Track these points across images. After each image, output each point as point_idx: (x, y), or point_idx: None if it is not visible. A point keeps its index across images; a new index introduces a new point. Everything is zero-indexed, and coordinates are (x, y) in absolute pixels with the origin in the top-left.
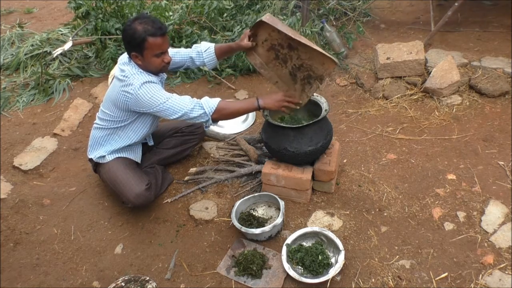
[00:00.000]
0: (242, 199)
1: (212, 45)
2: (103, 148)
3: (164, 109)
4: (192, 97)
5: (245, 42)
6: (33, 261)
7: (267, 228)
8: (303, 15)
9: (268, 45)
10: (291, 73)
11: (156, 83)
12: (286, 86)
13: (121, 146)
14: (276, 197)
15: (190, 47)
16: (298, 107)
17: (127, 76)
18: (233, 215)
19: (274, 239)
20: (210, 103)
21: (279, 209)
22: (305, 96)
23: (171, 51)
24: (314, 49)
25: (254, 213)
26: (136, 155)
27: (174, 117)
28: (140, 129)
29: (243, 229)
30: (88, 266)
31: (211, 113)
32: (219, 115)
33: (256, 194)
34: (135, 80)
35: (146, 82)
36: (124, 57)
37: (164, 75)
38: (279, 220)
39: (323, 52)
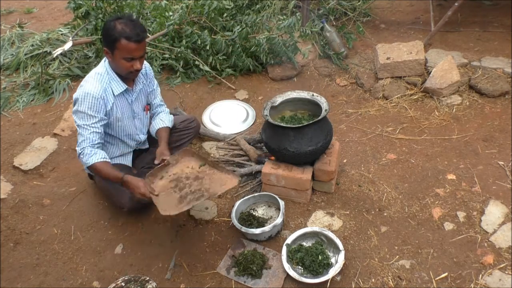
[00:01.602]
0: (242, 199)
1: (165, 125)
2: None
3: (78, 131)
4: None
5: (164, 155)
6: (33, 261)
7: (267, 228)
8: (303, 15)
9: (173, 178)
10: (182, 196)
11: (94, 97)
12: (166, 205)
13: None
14: (276, 197)
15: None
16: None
17: (85, 79)
18: (233, 215)
19: (274, 239)
20: (88, 160)
21: (279, 209)
22: (182, 208)
23: (158, 90)
24: (222, 172)
25: (254, 213)
26: (126, 161)
27: (77, 146)
28: (113, 150)
29: (243, 229)
30: (88, 266)
31: (86, 166)
32: (92, 171)
33: (256, 194)
34: (85, 84)
35: (87, 93)
36: None
37: (139, 87)
38: (279, 220)
39: (231, 173)
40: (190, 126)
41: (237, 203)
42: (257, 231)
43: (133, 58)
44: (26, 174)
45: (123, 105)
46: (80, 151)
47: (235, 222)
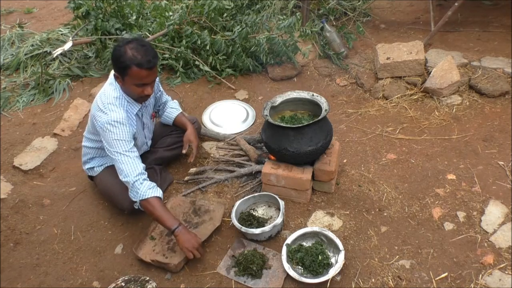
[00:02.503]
0: (242, 199)
1: (179, 110)
2: (90, 163)
3: (115, 159)
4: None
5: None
6: (33, 261)
7: (267, 228)
8: (303, 15)
9: None
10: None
11: (124, 124)
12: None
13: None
14: (276, 197)
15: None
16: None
17: (104, 104)
18: (233, 215)
19: (274, 239)
20: (146, 192)
21: (279, 209)
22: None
23: (162, 89)
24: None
25: (254, 213)
26: None
27: (120, 175)
28: None
29: (243, 229)
30: (88, 266)
31: (140, 200)
32: (144, 207)
33: (256, 194)
34: (110, 112)
35: (116, 121)
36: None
37: (148, 102)
38: (279, 220)
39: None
40: None
41: (237, 203)
42: (257, 231)
43: (145, 84)
44: (26, 174)
45: (136, 121)
46: (135, 180)
47: (235, 222)
